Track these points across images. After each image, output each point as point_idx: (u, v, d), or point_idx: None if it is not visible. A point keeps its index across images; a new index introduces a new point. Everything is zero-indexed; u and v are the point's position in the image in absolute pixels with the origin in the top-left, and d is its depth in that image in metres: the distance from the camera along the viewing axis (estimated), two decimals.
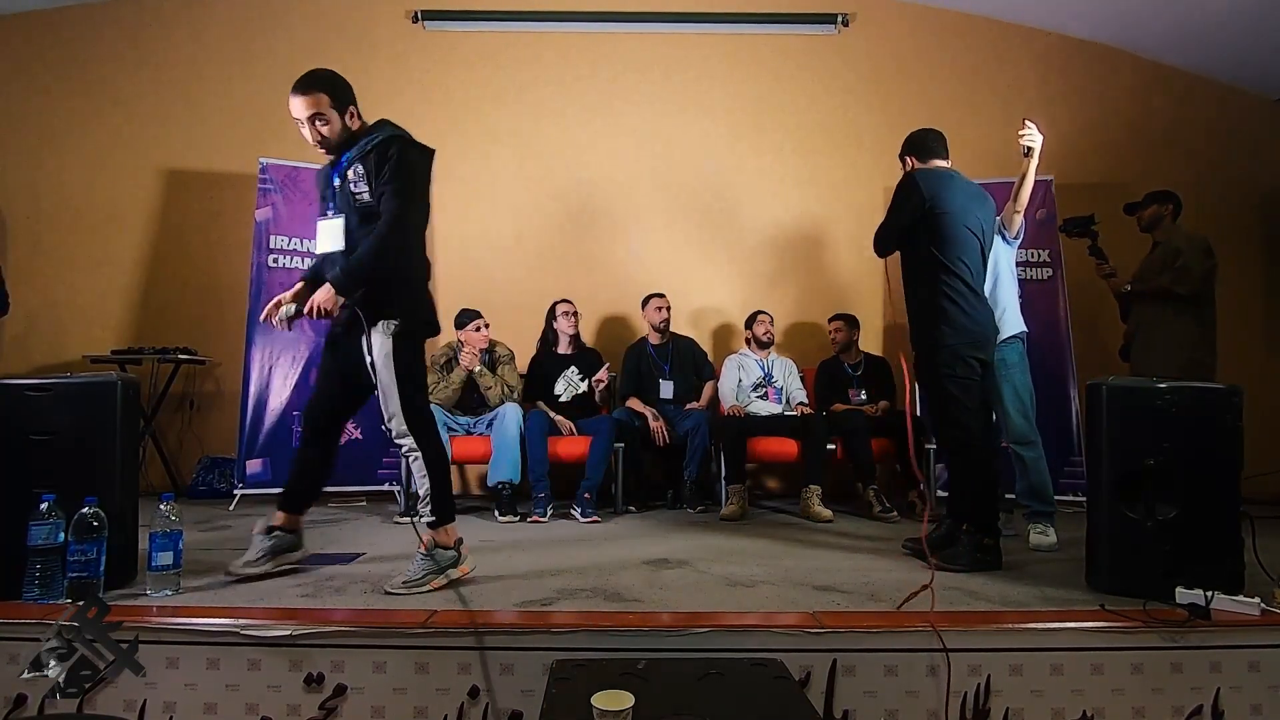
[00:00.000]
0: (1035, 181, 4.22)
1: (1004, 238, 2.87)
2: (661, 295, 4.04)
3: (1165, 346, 3.32)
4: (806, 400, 3.92)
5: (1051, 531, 2.71)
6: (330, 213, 2.06)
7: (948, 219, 2.39)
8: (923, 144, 2.59)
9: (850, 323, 4.02)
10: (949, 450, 2.47)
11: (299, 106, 2.04)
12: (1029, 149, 2.56)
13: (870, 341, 4.27)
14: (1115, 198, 4.48)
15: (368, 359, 2.01)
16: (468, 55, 4.55)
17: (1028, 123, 2.55)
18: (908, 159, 2.62)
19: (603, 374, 3.80)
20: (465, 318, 3.68)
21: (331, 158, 2.10)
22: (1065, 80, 4.56)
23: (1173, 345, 3.30)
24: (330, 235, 2.04)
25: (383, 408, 2.03)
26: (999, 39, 4.59)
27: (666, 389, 3.92)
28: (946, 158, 2.57)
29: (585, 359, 3.94)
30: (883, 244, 2.52)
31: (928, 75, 4.57)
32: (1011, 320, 2.85)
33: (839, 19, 4.52)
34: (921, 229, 2.42)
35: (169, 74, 4.46)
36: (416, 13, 4.49)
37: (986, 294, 2.61)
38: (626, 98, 4.57)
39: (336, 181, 2.06)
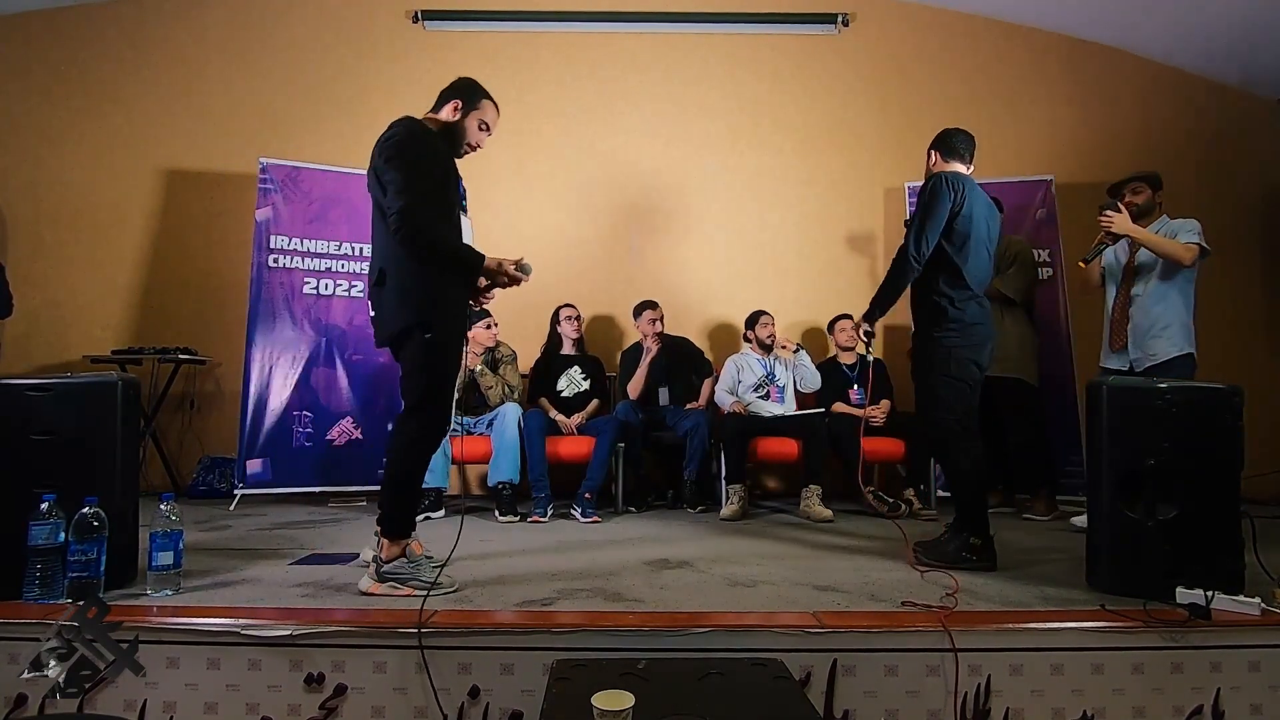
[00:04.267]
0: (1035, 181, 4.24)
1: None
2: (654, 306, 3.92)
3: (1005, 346, 3.48)
4: (813, 368, 3.87)
5: None
6: (465, 213, 2.24)
7: (964, 223, 2.38)
8: (950, 145, 2.55)
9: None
10: (939, 450, 2.46)
11: (495, 117, 2.19)
12: (1114, 235, 2.84)
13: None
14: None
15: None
16: (468, 55, 4.54)
17: (1108, 213, 2.81)
18: (933, 153, 2.58)
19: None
20: (475, 316, 3.67)
21: (456, 159, 2.17)
22: (1065, 80, 4.56)
23: (1014, 345, 3.51)
24: (468, 232, 2.25)
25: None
26: (999, 39, 4.59)
27: (664, 396, 3.92)
28: (967, 163, 2.55)
29: (587, 362, 3.97)
30: (925, 244, 2.37)
31: (928, 75, 4.57)
32: (1174, 339, 2.88)
33: (839, 19, 4.52)
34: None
35: (169, 74, 4.46)
36: (416, 13, 4.50)
37: (1147, 312, 2.86)
38: (627, 98, 4.57)
39: (461, 184, 2.22)
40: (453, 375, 2.03)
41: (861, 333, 2.64)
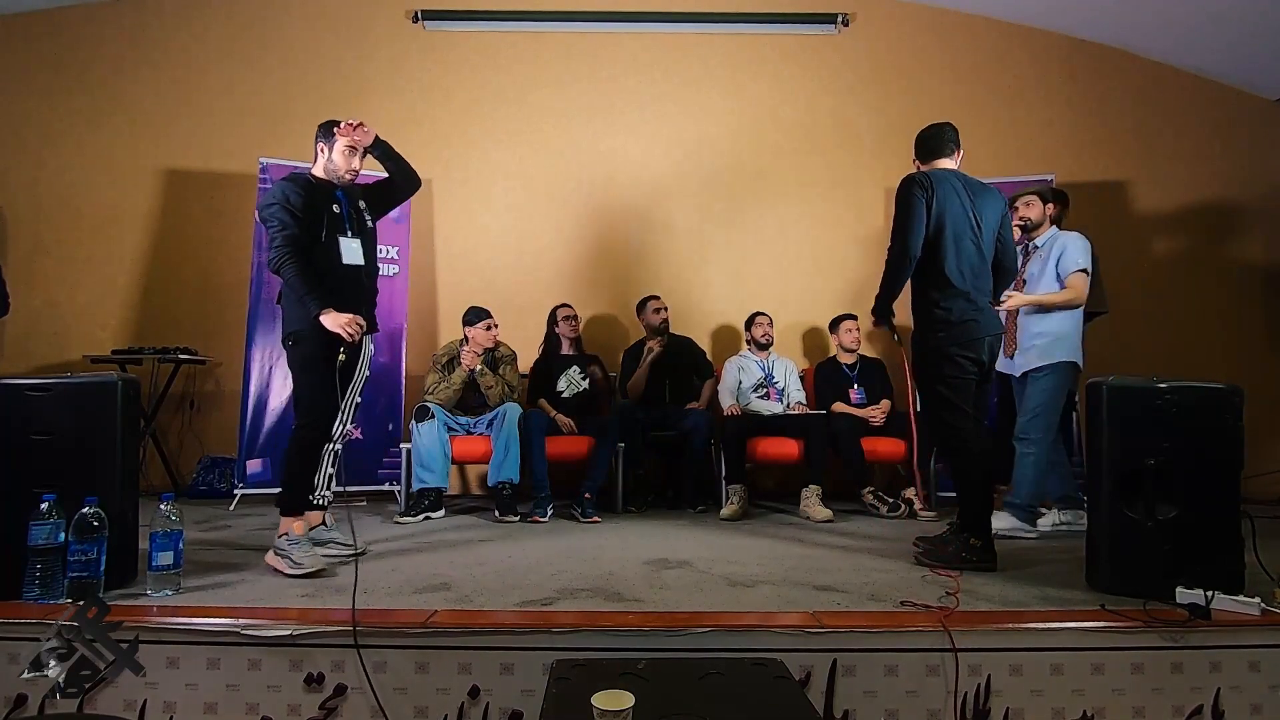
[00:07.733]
0: (1035, 180, 4.22)
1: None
2: (657, 297, 3.98)
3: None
4: (805, 401, 3.91)
5: (1005, 517, 2.85)
6: (350, 233, 2.44)
7: (935, 218, 2.38)
8: (924, 145, 2.57)
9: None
10: (943, 451, 2.47)
11: (358, 135, 2.44)
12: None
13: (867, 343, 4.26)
14: (1115, 197, 4.50)
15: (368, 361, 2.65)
16: (468, 55, 4.55)
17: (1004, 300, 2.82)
18: (916, 162, 2.60)
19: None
20: (474, 315, 3.65)
21: (338, 184, 2.47)
22: (1065, 80, 4.55)
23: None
24: (354, 252, 2.44)
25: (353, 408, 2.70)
26: (999, 39, 4.59)
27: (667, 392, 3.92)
28: (953, 153, 2.53)
29: (586, 361, 3.96)
30: (910, 239, 2.36)
31: (928, 75, 4.56)
32: (1045, 350, 2.96)
33: (839, 19, 4.52)
34: None
35: (169, 74, 4.46)
36: (416, 13, 4.49)
37: (1024, 325, 2.92)
38: (627, 98, 4.57)
39: (346, 209, 2.45)
40: (316, 387, 2.35)
41: (874, 324, 2.58)
